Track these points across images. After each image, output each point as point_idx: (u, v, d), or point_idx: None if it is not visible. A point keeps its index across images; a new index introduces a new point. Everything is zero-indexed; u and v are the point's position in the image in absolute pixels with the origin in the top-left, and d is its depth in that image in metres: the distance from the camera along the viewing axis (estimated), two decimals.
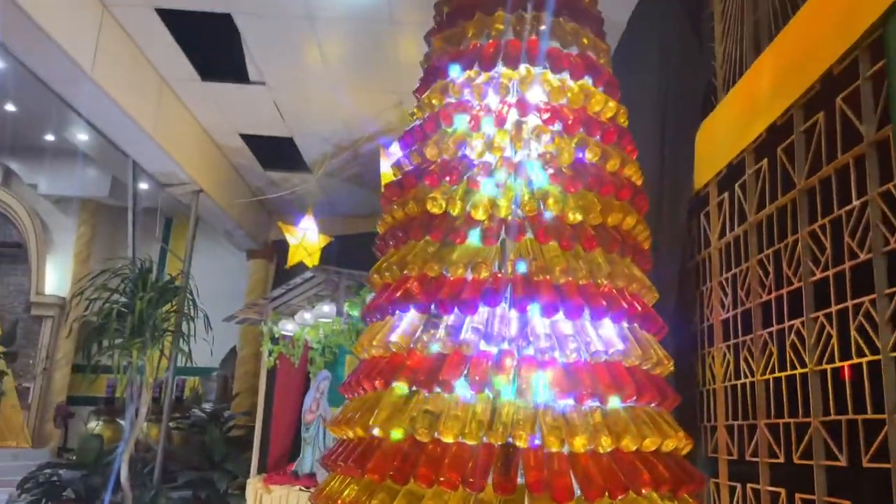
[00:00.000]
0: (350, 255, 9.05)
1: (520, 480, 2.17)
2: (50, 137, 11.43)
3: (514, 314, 2.42)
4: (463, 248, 2.52)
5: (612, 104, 2.86)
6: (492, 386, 2.29)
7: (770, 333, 2.85)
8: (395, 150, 6.31)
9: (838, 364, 2.35)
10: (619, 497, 2.19)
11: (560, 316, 2.40)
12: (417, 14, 5.15)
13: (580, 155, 2.67)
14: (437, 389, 2.32)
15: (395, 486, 2.26)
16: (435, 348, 2.41)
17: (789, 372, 2.66)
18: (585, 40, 2.92)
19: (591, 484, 2.16)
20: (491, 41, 2.85)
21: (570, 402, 2.30)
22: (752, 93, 3.08)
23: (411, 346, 2.45)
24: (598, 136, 2.74)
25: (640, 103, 4.15)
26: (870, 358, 2.17)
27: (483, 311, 2.43)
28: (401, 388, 2.42)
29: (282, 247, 10.49)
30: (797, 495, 2.58)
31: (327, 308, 6.29)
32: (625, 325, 2.53)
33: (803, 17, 2.70)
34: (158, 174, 7.22)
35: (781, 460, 2.70)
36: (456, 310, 2.43)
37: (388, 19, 5.22)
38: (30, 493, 6.68)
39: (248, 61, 5.97)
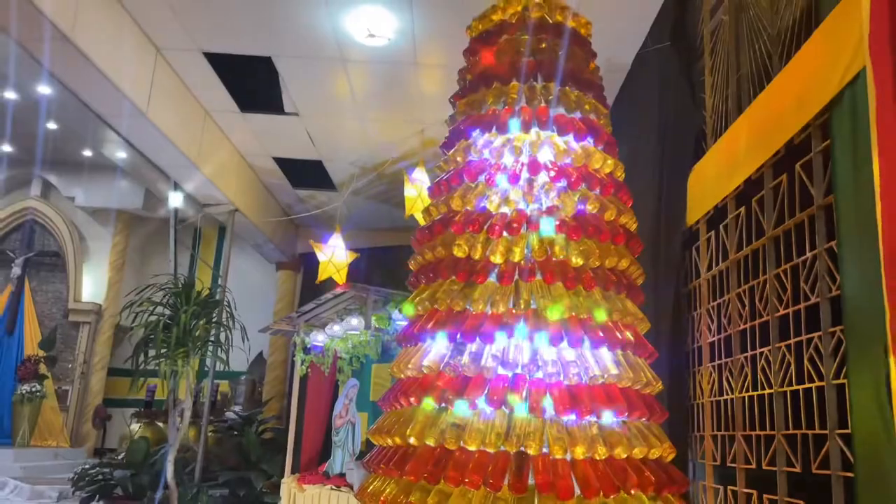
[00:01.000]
0: (373, 265, 9.62)
1: (530, 482, 2.66)
2: (87, 153, 12.07)
3: (526, 344, 2.92)
4: (483, 287, 3.01)
5: (610, 161, 3.34)
6: (507, 403, 2.79)
7: (746, 357, 3.33)
8: (418, 176, 6.84)
9: (795, 387, 2.83)
10: (612, 496, 2.68)
11: (564, 345, 2.90)
12: (438, 57, 5.66)
13: (581, 207, 3.16)
14: (463, 405, 2.82)
15: (427, 485, 2.76)
16: (460, 371, 2.91)
17: (760, 392, 3.14)
18: (588, 106, 3.40)
19: (589, 485, 2.65)
20: (507, 108, 3.35)
21: (573, 417, 2.79)
22: (732, 148, 3.56)
23: (440, 369, 2.96)
24: (597, 190, 3.23)
25: (641, 148, 4.65)
26: (817, 384, 2.65)
27: (500, 340, 2.93)
28: (431, 404, 2.92)
29: (308, 259, 11.06)
30: (765, 496, 3.05)
31: (355, 321, 6.81)
32: (619, 352, 3.01)
33: (772, 90, 3.17)
34: (199, 196, 7.81)
35: (753, 466, 3.18)
36: (477, 339, 2.94)
37: (412, 61, 5.74)
38: (83, 490, 7.27)
39: (283, 95, 6.52)
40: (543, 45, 3.42)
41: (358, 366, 7.19)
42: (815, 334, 2.68)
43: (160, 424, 9.55)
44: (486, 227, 3.10)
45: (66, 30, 4.53)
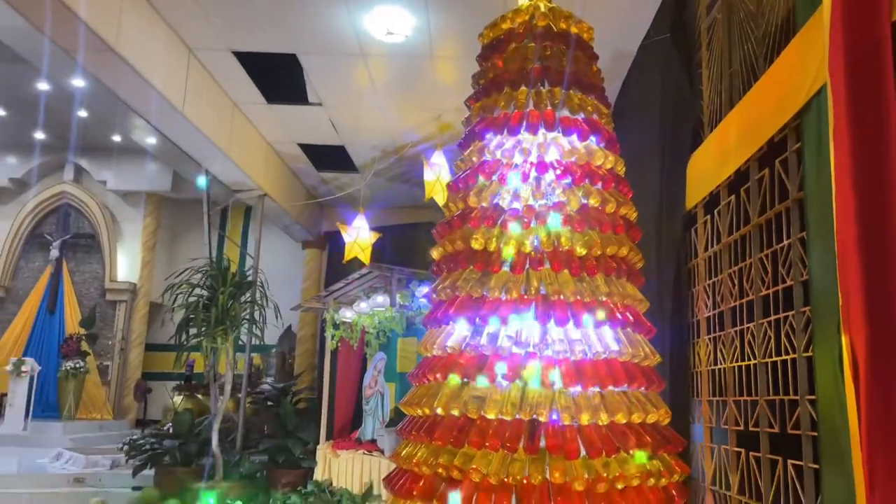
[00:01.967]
0: (394, 242, 10.05)
1: (542, 445, 3.09)
2: (117, 138, 12.55)
3: (536, 325, 3.32)
4: (498, 276, 3.41)
5: (611, 157, 3.70)
6: (521, 378, 3.21)
7: (735, 331, 3.71)
8: (436, 160, 7.20)
9: (775, 359, 3.21)
10: (613, 456, 3.09)
11: (570, 325, 3.30)
12: (453, 50, 5.99)
13: (585, 201, 3.53)
14: (483, 380, 3.25)
15: (453, 449, 3.19)
16: (479, 350, 3.33)
17: (746, 362, 3.52)
18: (590, 107, 3.75)
19: (593, 447, 3.06)
20: (517, 111, 3.70)
21: (578, 388, 3.21)
22: (724, 140, 3.89)
23: (462, 349, 3.38)
24: (599, 185, 3.59)
25: (645, 135, 4.98)
26: (791, 356, 3.03)
27: (514, 323, 3.34)
28: (455, 379, 3.35)
29: (333, 237, 11.51)
30: (751, 454, 3.46)
31: (381, 298, 7.26)
32: (619, 330, 3.41)
33: (757, 90, 3.49)
34: (229, 183, 8.25)
35: (742, 428, 3.58)
36: (494, 322, 3.35)
37: (429, 54, 6.07)
38: (135, 458, 7.88)
39: (307, 88, 6.89)
40: (549, 52, 3.75)
41: (385, 340, 7.66)
42: (790, 313, 3.06)
43: (200, 397, 10.14)
44: (499, 222, 3.49)
45: (110, 41, 4.92)
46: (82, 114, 11.55)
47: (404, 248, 9.80)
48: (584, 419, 3.12)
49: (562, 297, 3.29)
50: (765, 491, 3.24)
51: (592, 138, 3.69)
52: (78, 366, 12.34)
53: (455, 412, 3.23)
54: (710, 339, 4.13)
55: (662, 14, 5.23)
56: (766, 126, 3.32)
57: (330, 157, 8.87)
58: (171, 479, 7.41)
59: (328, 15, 5.50)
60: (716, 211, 4.07)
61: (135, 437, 8.64)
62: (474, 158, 3.77)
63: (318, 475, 7.55)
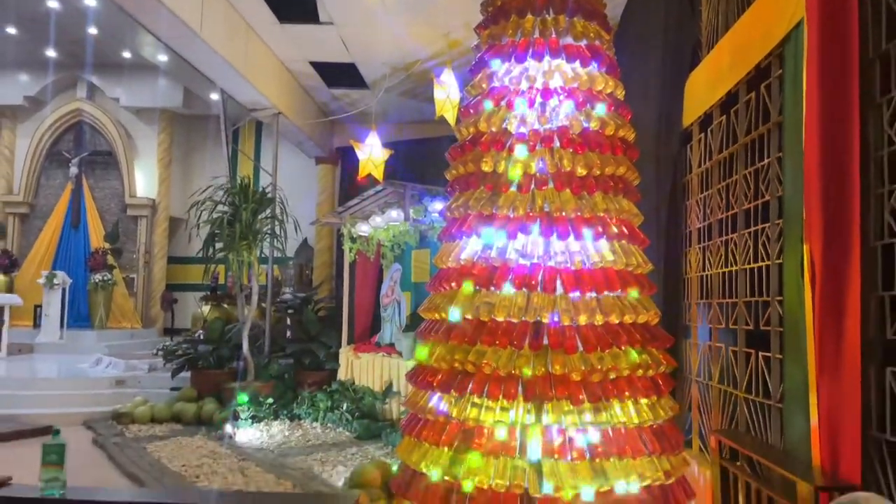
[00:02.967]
0: (406, 157, 10.34)
1: (545, 342, 3.54)
2: (127, 55, 12.64)
3: (540, 239, 3.71)
4: (506, 196, 3.77)
5: (611, 82, 3.98)
6: (527, 285, 3.63)
7: (721, 241, 4.10)
8: (446, 78, 7.40)
9: (752, 265, 3.61)
10: (607, 351, 3.55)
11: (571, 239, 3.69)
12: None
13: (586, 125, 3.84)
14: (493, 288, 3.67)
15: (468, 347, 3.66)
16: (490, 262, 3.74)
17: (729, 269, 3.93)
18: (592, 33, 3.99)
19: (589, 343, 3.52)
20: (523, 39, 3.96)
21: (577, 294, 3.63)
22: (718, 63, 4.14)
23: (474, 261, 3.79)
24: (599, 109, 3.90)
25: (647, 54, 5.20)
26: (766, 263, 3.43)
27: (520, 237, 3.73)
28: (469, 287, 3.78)
29: (345, 153, 11.80)
30: (730, 348, 3.92)
31: (395, 213, 7.67)
32: (615, 242, 3.80)
33: (748, 17, 3.72)
34: (245, 102, 8.50)
35: (723, 326, 4.03)
36: (503, 237, 3.74)
37: None
38: (173, 362, 8.54)
39: (318, 6, 7.03)
40: None
41: (399, 252, 8.13)
42: (766, 225, 3.43)
43: (226, 306, 10.74)
44: (507, 146, 3.82)
45: None
46: (92, 31, 11.62)
47: (416, 162, 10.08)
48: (582, 320, 3.55)
49: (563, 213, 3.66)
50: (740, 379, 3.72)
51: (594, 64, 3.96)
52: (106, 278, 12.95)
53: (469, 316, 3.68)
54: (700, 247, 4.53)
55: None
56: (754, 52, 3.59)
57: (341, 75, 9.05)
58: (207, 381, 8.09)
59: None
60: (709, 130, 4.37)
61: (168, 343, 9.28)
62: (483, 85, 4.06)
63: (342, 375, 8.20)
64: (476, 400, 3.52)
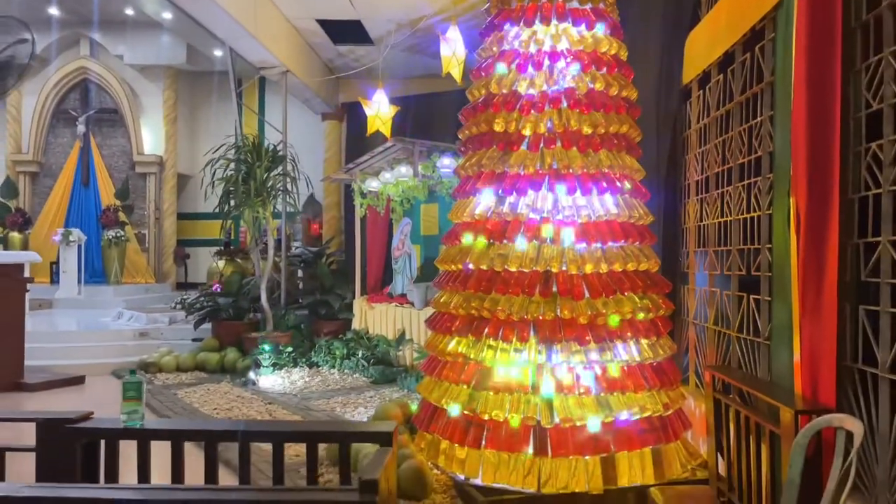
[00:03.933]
0: (415, 112, 10.53)
1: (554, 290, 3.86)
2: (129, 11, 12.68)
3: (549, 195, 4.00)
4: (517, 154, 4.05)
5: (615, 44, 4.21)
6: (537, 238, 3.93)
7: (717, 193, 4.38)
8: (451, 35, 7.56)
9: (745, 216, 3.91)
10: (611, 297, 3.88)
11: (578, 194, 3.98)
12: None
13: (591, 86, 4.09)
14: (505, 241, 3.98)
15: (483, 295, 3.98)
16: (502, 217, 4.04)
17: (724, 219, 4.23)
18: None
19: (594, 290, 3.84)
20: (531, 3, 4.17)
21: (584, 245, 3.94)
22: (716, 22, 4.36)
23: (487, 216, 4.08)
24: (604, 70, 4.13)
25: (649, 12, 5.39)
26: (757, 213, 3.72)
27: (531, 193, 4.01)
28: (482, 241, 4.09)
29: (351, 108, 11.96)
30: (724, 293, 4.25)
31: (404, 169, 7.92)
32: (618, 196, 4.09)
33: None
34: (255, 61, 8.66)
35: (719, 272, 4.35)
36: (514, 193, 4.03)
37: None
38: (195, 314, 8.92)
39: None
40: None
41: (409, 206, 8.41)
42: (758, 178, 3.71)
43: (239, 261, 11.09)
44: (518, 107, 4.08)
45: None
46: None
47: (424, 117, 10.30)
48: (588, 269, 3.86)
49: (571, 170, 3.94)
50: (732, 320, 4.06)
51: (599, 26, 4.18)
52: (118, 234, 13.27)
53: (483, 266, 3.99)
54: (697, 199, 4.82)
55: None
56: (750, 14, 3.81)
57: (346, 31, 9.19)
58: (228, 332, 8.48)
59: None
60: (707, 87, 4.61)
61: (186, 297, 9.65)
62: (494, 48, 4.29)
63: (356, 325, 8.59)
64: (492, 342, 3.86)
